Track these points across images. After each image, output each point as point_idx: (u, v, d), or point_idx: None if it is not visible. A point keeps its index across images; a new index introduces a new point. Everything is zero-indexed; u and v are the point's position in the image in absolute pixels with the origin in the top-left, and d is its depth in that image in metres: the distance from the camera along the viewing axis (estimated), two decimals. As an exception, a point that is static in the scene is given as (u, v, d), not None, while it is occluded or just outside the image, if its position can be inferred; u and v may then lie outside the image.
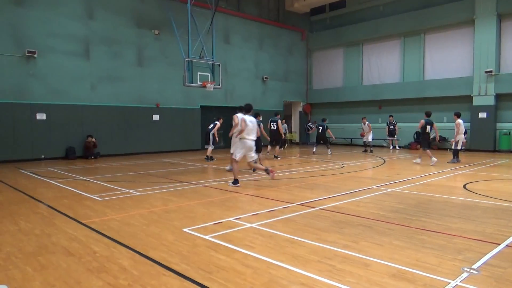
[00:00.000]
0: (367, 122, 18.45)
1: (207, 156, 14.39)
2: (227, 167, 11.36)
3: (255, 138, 8.86)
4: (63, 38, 15.16)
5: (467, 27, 18.90)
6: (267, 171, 8.66)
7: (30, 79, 14.46)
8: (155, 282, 3.48)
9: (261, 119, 13.68)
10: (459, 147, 13.59)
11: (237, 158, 8.71)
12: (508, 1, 17.38)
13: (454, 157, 13.52)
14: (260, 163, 10.78)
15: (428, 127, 12.77)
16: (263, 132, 12.82)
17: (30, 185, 9.09)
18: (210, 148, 14.38)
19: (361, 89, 23.08)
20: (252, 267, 3.81)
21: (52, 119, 14.95)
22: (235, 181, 8.68)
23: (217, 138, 14.40)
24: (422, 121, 12.82)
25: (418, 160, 13.12)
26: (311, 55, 26.08)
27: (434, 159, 12.55)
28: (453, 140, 12.97)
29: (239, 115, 9.15)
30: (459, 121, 13.36)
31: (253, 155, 8.83)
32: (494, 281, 3.44)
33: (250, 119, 8.73)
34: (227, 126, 12.55)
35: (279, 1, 23.73)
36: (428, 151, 12.88)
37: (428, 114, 13.02)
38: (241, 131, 8.61)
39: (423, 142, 13.12)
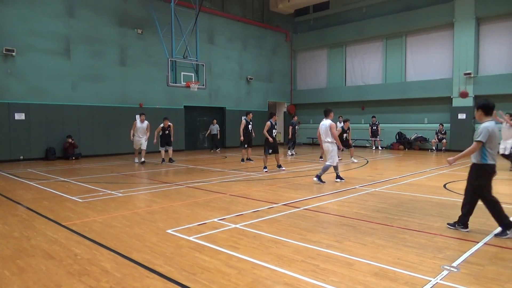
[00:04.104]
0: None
1: (163, 158, 14.05)
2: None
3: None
4: (43, 36, 14.82)
5: (447, 30, 19.33)
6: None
7: (9, 77, 14.09)
8: (138, 284, 3.43)
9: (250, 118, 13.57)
10: (507, 152, 11.38)
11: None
12: (485, 6, 17.86)
13: None
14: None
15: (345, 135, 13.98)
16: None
17: (8, 186, 8.86)
18: (161, 150, 14.11)
19: (344, 90, 23.33)
20: (237, 268, 3.80)
21: (31, 119, 14.60)
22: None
23: (154, 140, 13.86)
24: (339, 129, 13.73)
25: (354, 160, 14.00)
26: (295, 56, 26.22)
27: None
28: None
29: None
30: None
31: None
32: (473, 278, 3.53)
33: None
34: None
35: (263, 1, 23.78)
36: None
37: (345, 120, 14.20)
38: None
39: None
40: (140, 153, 13.77)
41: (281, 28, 24.94)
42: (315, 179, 9.16)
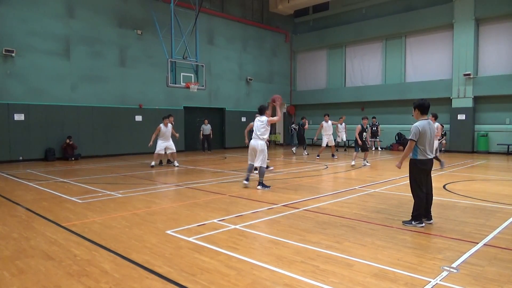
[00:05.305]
0: (344, 123, 18.80)
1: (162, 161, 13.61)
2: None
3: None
4: (42, 37, 14.82)
5: (447, 31, 19.36)
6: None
7: (8, 78, 14.08)
8: (138, 285, 3.43)
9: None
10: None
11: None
12: (485, 7, 17.89)
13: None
14: None
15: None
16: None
17: (7, 187, 8.85)
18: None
19: (344, 91, 23.34)
20: (236, 269, 3.80)
21: (30, 119, 14.59)
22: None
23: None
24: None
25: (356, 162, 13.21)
26: (295, 56, 26.23)
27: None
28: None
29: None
30: (437, 124, 11.73)
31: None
32: (472, 279, 3.53)
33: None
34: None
35: (263, 2, 23.80)
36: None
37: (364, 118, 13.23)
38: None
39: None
40: (161, 155, 13.12)
41: (280, 29, 24.96)
42: (259, 187, 8.42)
